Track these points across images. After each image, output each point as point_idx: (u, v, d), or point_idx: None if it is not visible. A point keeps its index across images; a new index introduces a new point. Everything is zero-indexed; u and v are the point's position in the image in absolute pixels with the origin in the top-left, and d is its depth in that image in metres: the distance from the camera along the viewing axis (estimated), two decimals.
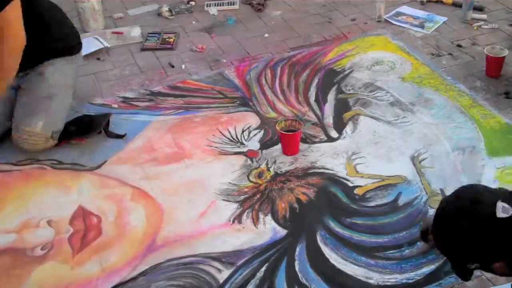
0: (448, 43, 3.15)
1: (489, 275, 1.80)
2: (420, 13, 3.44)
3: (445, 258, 1.87)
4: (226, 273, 1.89)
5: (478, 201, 1.30)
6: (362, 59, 3.03)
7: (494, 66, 2.80)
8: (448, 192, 2.13)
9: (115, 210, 2.17)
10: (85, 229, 2.09)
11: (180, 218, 2.13)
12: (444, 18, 3.36)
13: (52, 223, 2.12)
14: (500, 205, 1.25)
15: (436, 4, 3.54)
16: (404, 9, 3.49)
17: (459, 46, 3.11)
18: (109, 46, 3.24)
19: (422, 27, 3.28)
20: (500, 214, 1.24)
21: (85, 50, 3.16)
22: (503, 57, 2.78)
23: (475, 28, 3.26)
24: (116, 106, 2.75)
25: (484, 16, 3.33)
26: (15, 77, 2.42)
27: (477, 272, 1.80)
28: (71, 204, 2.20)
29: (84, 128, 2.53)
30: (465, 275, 1.42)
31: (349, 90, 2.79)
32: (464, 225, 1.28)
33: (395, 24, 3.33)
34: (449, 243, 1.37)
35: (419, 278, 1.83)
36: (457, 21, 3.34)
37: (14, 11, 2.23)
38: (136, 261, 1.96)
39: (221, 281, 1.87)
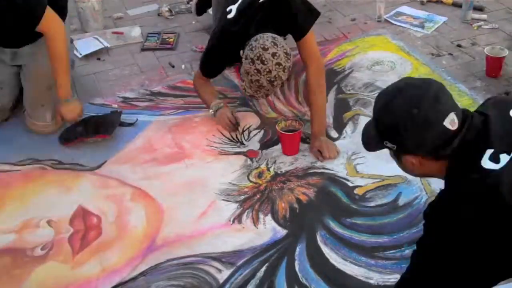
0: (448, 43, 3.15)
1: None
2: (420, 13, 3.44)
3: None
4: (226, 273, 1.89)
5: (438, 99, 1.31)
6: (362, 59, 3.03)
7: (494, 66, 2.80)
8: None
9: (115, 210, 2.17)
10: (85, 229, 2.09)
11: (180, 218, 2.13)
12: (444, 18, 3.36)
13: (52, 223, 2.12)
14: (452, 116, 1.28)
15: (436, 4, 3.53)
16: (404, 9, 3.49)
17: (459, 46, 3.11)
18: (109, 46, 3.24)
19: (422, 27, 3.28)
20: (447, 123, 1.28)
21: (84, 50, 3.18)
22: (503, 57, 2.78)
23: (475, 28, 3.26)
24: (116, 106, 2.75)
25: (484, 16, 3.33)
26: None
27: None
28: (71, 204, 2.20)
29: (93, 128, 2.55)
30: (373, 148, 1.45)
31: (349, 90, 2.79)
32: (415, 112, 1.29)
33: (395, 24, 3.33)
34: (391, 118, 1.34)
35: None
36: (457, 21, 3.34)
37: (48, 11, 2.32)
38: (136, 261, 1.96)
39: (221, 281, 1.87)
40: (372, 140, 1.43)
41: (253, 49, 2.25)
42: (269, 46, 2.23)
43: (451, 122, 1.28)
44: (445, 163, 1.32)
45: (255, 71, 2.24)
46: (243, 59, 2.31)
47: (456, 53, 3.05)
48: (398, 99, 1.34)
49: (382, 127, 1.38)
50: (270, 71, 2.23)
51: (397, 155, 1.40)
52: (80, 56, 3.16)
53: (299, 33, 2.45)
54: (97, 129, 2.54)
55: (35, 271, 1.94)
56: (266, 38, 2.26)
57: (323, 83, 2.51)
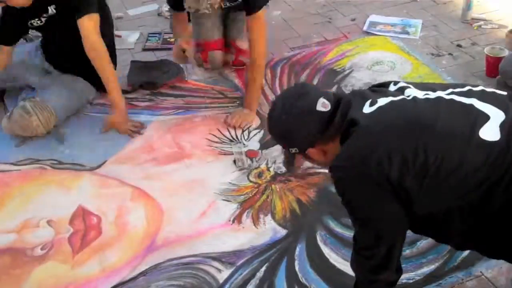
0: (448, 43, 3.15)
1: (489, 275, 1.81)
2: (393, 19, 3.38)
3: (445, 258, 1.88)
4: (226, 273, 1.89)
5: (302, 94, 1.47)
6: (362, 59, 3.03)
7: (494, 66, 2.80)
8: None
9: (115, 210, 2.17)
10: (85, 229, 2.09)
11: (180, 218, 2.13)
12: (420, 21, 3.34)
13: (52, 223, 2.12)
14: (321, 100, 1.43)
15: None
16: (375, 18, 3.41)
17: (459, 46, 3.11)
18: None
19: (407, 33, 3.25)
20: (319, 107, 1.42)
21: None
22: (503, 57, 2.78)
23: (475, 28, 3.26)
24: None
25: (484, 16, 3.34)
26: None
27: (476, 272, 1.82)
28: (71, 204, 2.20)
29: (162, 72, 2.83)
30: (290, 163, 1.65)
31: (349, 90, 2.79)
32: (284, 118, 1.46)
33: (381, 35, 3.25)
34: (276, 133, 1.53)
35: (419, 278, 1.83)
36: (457, 21, 3.34)
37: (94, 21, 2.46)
38: (136, 261, 1.96)
39: (221, 281, 1.87)
40: (287, 156, 1.65)
41: None
42: None
43: (322, 105, 1.43)
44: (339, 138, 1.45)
45: None
46: None
47: (456, 53, 3.05)
48: (273, 113, 1.52)
49: (279, 141, 1.58)
50: None
51: (305, 156, 1.53)
52: None
53: (251, 8, 2.48)
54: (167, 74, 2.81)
55: (35, 271, 1.94)
56: None
57: (263, 64, 2.63)
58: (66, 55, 2.64)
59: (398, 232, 1.44)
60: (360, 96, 1.47)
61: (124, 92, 2.75)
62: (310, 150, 1.49)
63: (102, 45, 2.47)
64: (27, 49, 2.84)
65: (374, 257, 1.45)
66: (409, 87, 1.46)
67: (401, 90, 1.46)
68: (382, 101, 1.41)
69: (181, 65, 2.93)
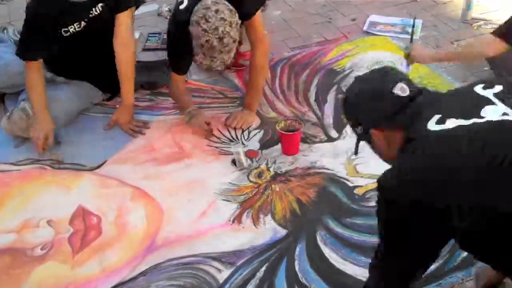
0: (448, 43, 3.15)
1: None
2: (393, 19, 3.38)
3: (445, 258, 1.87)
4: (226, 273, 1.89)
5: (385, 74, 1.44)
6: (362, 59, 3.03)
7: None
8: None
9: (115, 210, 2.17)
10: (85, 229, 2.09)
11: (180, 218, 2.13)
12: (420, 21, 3.34)
13: (52, 223, 2.12)
14: (400, 84, 1.37)
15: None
16: (375, 18, 3.41)
17: (459, 46, 3.11)
18: None
19: (407, 33, 3.24)
20: (397, 90, 1.36)
21: None
22: None
23: (475, 28, 3.26)
24: (118, 107, 2.75)
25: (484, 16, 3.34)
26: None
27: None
28: (71, 204, 2.20)
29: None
30: (356, 144, 1.52)
31: None
32: (366, 88, 1.42)
33: (381, 35, 3.25)
34: (348, 104, 1.48)
35: None
36: (457, 21, 3.34)
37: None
38: (136, 261, 1.96)
39: (221, 281, 1.87)
40: (356, 135, 1.51)
41: (196, 12, 2.25)
42: (210, 5, 2.23)
43: (400, 89, 1.36)
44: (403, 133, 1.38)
45: (202, 31, 2.22)
46: (190, 27, 2.30)
47: None
48: (352, 86, 1.49)
49: (347, 114, 1.52)
50: (216, 28, 2.21)
51: (368, 138, 1.47)
52: None
53: (246, 15, 2.44)
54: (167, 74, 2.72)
55: (35, 271, 1.94)
56: (207, 0, 2.26)
57: (266, 66, 2.66)
58: (74, 62, 2.59)
59: (421, 265, 1.41)
60: (434, 101, 1.37)
61: None
62: (373, 131, 1.42)
63: (133, 43, 2.51)
64: None
65: (399, 279, 1.43)
66: (493, 103, 1.30)
67: (478, 105, 1.30)
68: (450, 123, 1.27)
69: None
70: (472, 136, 1.23)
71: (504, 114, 1.26)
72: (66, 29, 2.42)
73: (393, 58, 3.02)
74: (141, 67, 2.89)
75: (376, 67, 1.55)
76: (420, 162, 1.27)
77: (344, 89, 2.78)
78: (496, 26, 3.14)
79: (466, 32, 3.24)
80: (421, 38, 3.20)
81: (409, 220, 1.28)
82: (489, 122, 1.25)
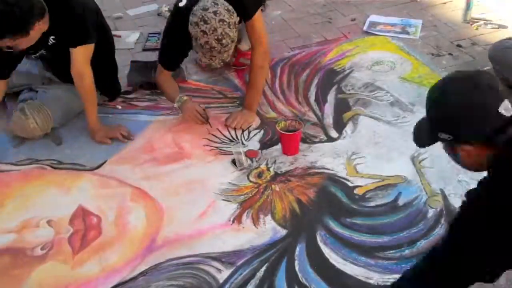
0: (448, 43, 3.15)
1: None
2: (393, 19, 3.38)
3: None
4: (226, 273, 1.89)
5: (493, 87, 1.32)
6: (362, 59, 3.03)
7: None
8: (447, 192, 2.14)
9: (115, 210, 2.17)
10: (85, 229, 2.09)
11: (180, 218, 2.13)
12: (420, 21, 3.35)
13: (52, 223, 2.12)
14: (506, 102, 1.29)
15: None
16: (375, 18, 3.42)
17: (459, 46, 3.11)
18: None
19: (407, 33, 3.25)
20: (502, 110, 1.28)
21: None
22: None
23: (475, 28, 3.26)
24: (119, 107, 2.75)
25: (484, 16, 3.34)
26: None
27: None
28: (71, 204, 2.20)
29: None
30: (426, 143, 1.46)
31: (349, 90, 2.79)
32: (475, 97, 1.31)
33: (381, 35, 3.25)
34: (450, 105, 1.35)
35: None
36: (457, 21, 3.34)
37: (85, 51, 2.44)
38: (136, 261, 1.96)
39: (221, 281, 1.87)
40: (425, 133, 1.44)
41: (195, 12, 2.26)
42: (209, 6, 2.25)
43: (505, 108, 1.28)
44: (497, 151, 1.31)
45: (201, 33, 2.25)
46: (189, 27, 2.31)
47: (456, 53, 3.05)
48: (452, 89, 1.36)
49: (436, 118, 1.40)
50: (215, 29, 2.23)
51: (451, 147, 1.40)
52: None
53: (246, 15, 2.46)
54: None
55: (35, 271, 1.94)
56: (206, 1, 2.28)
57: (265, 66, 2.65)
58: (68, 68, 2.58)
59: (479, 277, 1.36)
60: None
61: (124, 92, 2.75)
62: (463, 145, 1.35)
63: (89, 73, 2.46)
64: (26, 59, 2.72)
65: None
66: None
67: None
68: None
69: (181, 65, 2.93)
70: None
71: None
72: (32, 54, 2.50)
73: (393, 58, 3.02)
74: (141, 67, 2.90)
75: (462, 72, 1.45)
76: None
77: (344, 89, 2.79)
78: (496, 26, 3.16)
79: (466, 32, 3.24)
80: (421, 38, 3.20)
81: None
82: None
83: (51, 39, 2.42)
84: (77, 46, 2.39)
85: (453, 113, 1.34)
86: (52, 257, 1.99)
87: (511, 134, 1.28)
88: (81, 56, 2.42)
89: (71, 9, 2.34)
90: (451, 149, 1.41)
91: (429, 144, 1.46)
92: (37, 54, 2.51)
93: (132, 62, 3.00)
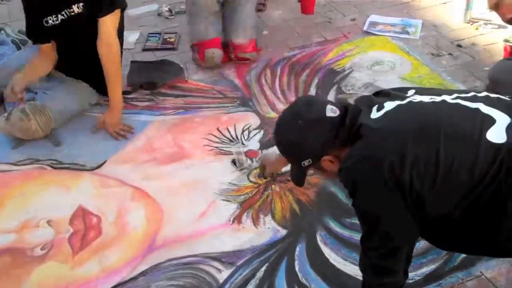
0: (448, 43, 3.15)
1: (489, 275, 1.81)
2: (393, 19, 3.38)
3: (445, 258, 1.88)
4: (226, 273, 1.89)
5: (311, 103, 1.49)
6: (362, 59, 3.03)
7: None
8: None
9: (115, 210, 2.17)
10: (85, 229, 2.09)
11: (180, 218, 2.13)
12: (420, 21, 3.35)
13: (52, 223, 2.12)
14: (329, 107, 1.45)
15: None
16: (375, 18, 3.41)
17: (459, 46, 3.11)
18: None
19: (407, 33, 3.25)
20: (329, 113, 1.43)
21: None
22: None
23: (475, 28, 3.26)
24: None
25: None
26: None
27: (476, 272, 1.82)
28: (71, 204, 2.20)
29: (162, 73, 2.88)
30: (301, 177, 1.59)
31: (349, 90, 2.79)
32: (301, 123, 1.45)
33: (381, 35, 3.25)
34: (287, 143, 1.52)
35: (419, 278, 1.83)
36: (457, 21, 3.34)
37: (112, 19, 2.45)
38: (136, 261, 1.96)
39: (221, 281, 1.87)
40: (296, 171, 1.58)
41: None
42: None
43: (331, 110, 1.44)
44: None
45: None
46: None
47: (456, 53, 3.05)
48: (281, 125, 1.52)
49: (289, 153, 1.55)
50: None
51: (318, 167, 1.52)
52: None
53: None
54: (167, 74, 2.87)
55: (35, 271, 1.94)
56: None
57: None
58: (71, 60, 2.62)
59: (406, 236, 1.44)
60: (366, 102, 1.48)
61: (124, 92, 2.75)
62: (324, 158, 1.47)
63: (118, 43, 2.49)
64: (25, 55, 2.76)
65: (381, 259, 1.46)
66: (413, 91, 1.48)
67: (405, 93, 1.47)
68: (389, 105, 1.42)
69: (181, 65, 2.94)
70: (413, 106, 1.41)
71: (432, 98, 1.44)
72: (46, 19, 2.45)
73: (393, 58, 3.02)
74: (141, 67, 2.91)
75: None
76: (373, 139, 1.38)
77: (344, 89, 2.79)
78: (496, 26, 3.16)
79: (466, 32, 3.24)
80: (421, 38, 3.20)
81: (385, 195, 1.36)
82: (422, 101, 1.42)
83: (80, 6, 2.41)
84: (106, 13, 2.40)
85: (295, 142, 1.47)
86: (52, 257, 1.99)
87: (348, 126, 1.42)
88: (110, 25, 2.43)
89: None
90: (318, 168, 1.53)
91: (304, 177, 1.59)
92: (53, 21, 2.44)
93: (132, 62, 3.00)
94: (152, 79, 2.86)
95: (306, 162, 1.49)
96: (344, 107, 1.47)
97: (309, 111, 1.45)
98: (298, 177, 1.59)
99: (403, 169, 1.31)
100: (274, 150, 1.78)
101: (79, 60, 2.59)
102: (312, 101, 1.52)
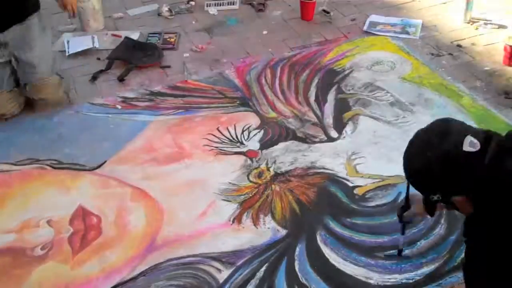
0: (448, 43, 3.15)
1: None
2: (393, 19, 3.39)
3: (445, 258, 1.88)
4: (226, 273, 1.89)
5: (447, 133, 1.30)
6: (362, 59, 3.03)
7: None
8: None
9: (115, 210, 2.17)
10: (85, 229, 2.09)
11: (180, 218, 2.13)
12: (420, 21, 3.35)
13: (52, 223, 2.12)
14: (468, 139, 1.25)
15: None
16: (375, 18, 3.42)
17: (459, 46, 3.11)
18: (97, 47, 3.24)
19: (407, 33, 3.25)
20: (466, 147, 1.24)
21: (73, 48, 3.21)
22: None
23: (475, 28, 3.26)
24: (119, 107, 2.75)
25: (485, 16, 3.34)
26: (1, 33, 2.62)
27: None
28: (71, 204, 2.20)
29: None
30: (431, 210, 1.45)
31: (349, 90, 2.79)
32: (430, 155, 1.29)
33: (381, 35, 3.25)
34: (417, 174, 1.37)
35: (419, 278, 1.83)
36: (457, 21, 3.34)
37: None
38: (136, 261, 1.96)
39: (221, 281, 1.87)
40: (425, 202, 1.42)
41: None
42: None
43: (470, 144, 1.25)
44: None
45: None
46: None
47: (456, 53, 3.05)
48: (412, 152, 1.37)
49: (415, 184, 1.40)
50: None
51: (448, 204, 1.37)
52: (67, 54, 3.17)
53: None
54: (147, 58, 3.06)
55: (35, 271, 1.94)
56: None
57: None
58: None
59: None
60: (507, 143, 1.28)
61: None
62: (456, 198, 1.31)
63: None
64: None
65: None
66: None
67: None
68: None
69: (184, 66, 2.93)
70: None
71: None
72: None
73: (393, 58, 3.02)
74: (128, 45, 3.14)
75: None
76: None
77: (344, 89, 2.79)
78: (496, 26, 3.16)
79: (466, 32, 3.24)
80: (421, 38, 3.20)
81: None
82: None
83: None
84: None
85: (425, 173, 1.33)
86: (52, 257, 1.99)
87: (489, 166, 1.24)
88: None
89: None
90: (449, 206, 1.39)
91: (433, 211, 1.45)
92: None
93: (125, 37, 3.21)
94: (129, 58, 3.06)
95: (435, 197, 1.35)
96: (487, 137, 1.26)
97: (442, 142, 1.28)
98: (428, 208, 1.44)
99: None
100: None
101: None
102: (448, 129, 1.30)
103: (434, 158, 1.28)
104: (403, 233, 1.83)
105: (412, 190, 1.48)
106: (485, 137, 1.27)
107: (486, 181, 1.25)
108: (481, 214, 1.28)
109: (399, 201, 2.11)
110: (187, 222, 2.10)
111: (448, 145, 1.27)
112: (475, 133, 1.28)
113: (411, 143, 1.39)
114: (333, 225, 2.05)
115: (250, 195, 2.20)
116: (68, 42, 3.27)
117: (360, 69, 2.95)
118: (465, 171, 1.25)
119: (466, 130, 1.30)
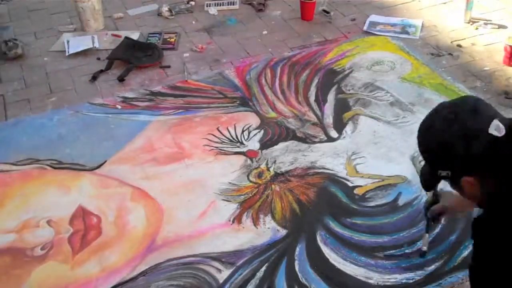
0: (448, 43, 3.15)
1: None
2: (393, 19, 3.39)
3: (445, 258, 1.87)
4: (226, 273, 1.89)
5: (476, 111, 1.25)
6: (362, 59, 3.03)
7: None
8: None
9: (115, 210, 2.17)
10: (85, 229, 2.09)
11: (180, 218, 2.13)
12: (420, 21, 3.35)
13: (52, 223, 2.12)
14: (496, 122, 1.21)
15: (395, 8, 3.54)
16: (375, 18, 3.42)
17: (459, 46, 3.11)
18: (97, 47, 3.24)
19: (407, 33, 3.25)
20: (492, 130, 1.20)
21: (73, 48, 3.22)
22: None
23: (475, 28, 3.26)
24: (119, 107, 2.75)
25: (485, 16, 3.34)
26: None
27: None
28: (71, 204, 2.20)
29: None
30: (431, 184, 1.39)
31: (349, 90, 2.79)
32: (456, 128, 1.24)
33: (381, 35, 3.25)
34: (433, 142, 1.30)
35: (419, 278, 1.83)
36: (457, 21, 3.34)
37: None
38: (136, 261, 1.96)
39: (221, 281, 1.87)
40: (427, 175, 1.37)
41: None
42: None
43: (496, 128, 1.20)
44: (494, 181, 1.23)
45: None
46: None
47: (456, 53, 3.05)
48: (436, 121, 1.30)
49: (429, 155, 1.33)
50: None
51: (456, 183, 1.31)
52: (67, 54, 3.18)
53: None
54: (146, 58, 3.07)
55: (35, 271, 1.94)
56: None
57: None
58: None
59: None
60: None
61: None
62: (465, 178, 1.26)
63: None
64: None
65: None
66: None
67: None
68: None
69: (184, 66, 2.93)
70: None
71: None
72: None
73: (393, 58, 3.02)
74: (128, 45, 3.14)
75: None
76: None
77: (344, 89, 2.79)
78: (496, 26, 3.16)
79: (466, 32, 3.24)
80: (421, 38, 3.20)
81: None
82: None
83: None
84: None
85: (442, 146, 1.27)
86: (52, 257, 1.99)
87: (508, 155, 1.19)
88: None
89: None
90: (454, 185, 1.34)
91: (434, 185, 1.40)
92: None
93: (125, 37, 3.22)
94: (129, 58, 3.08)
95: (443, 173, 1.29)
96: (510, 125, 1.22)
97: (470, 119, 1.23)
98: (428, 181, 1.39)
99: None
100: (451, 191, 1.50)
101: None
102: (479, 108, 1.26)
103: (460, 134, 1.23)
104: (427, 231, 1.78)
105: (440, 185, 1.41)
106: (510, 124, 1.22)
107: (505, 168, 1.22)
108: (492, 212, 1.26)
109: (422, 198, 2.11)
110: (187, 222, 2.10)
111: (476, 124, 1.22)
112: (502, 119, 1.24)
113: (436, 111, 1.32)
114: (333, 225, 2.05)
115: (250, 195, 2.20)
116: (68, 42, 3.27)
117: (360, 69, 2.95)
118: (487, 154, 1.21)
119: (494, 113, 1.26)
